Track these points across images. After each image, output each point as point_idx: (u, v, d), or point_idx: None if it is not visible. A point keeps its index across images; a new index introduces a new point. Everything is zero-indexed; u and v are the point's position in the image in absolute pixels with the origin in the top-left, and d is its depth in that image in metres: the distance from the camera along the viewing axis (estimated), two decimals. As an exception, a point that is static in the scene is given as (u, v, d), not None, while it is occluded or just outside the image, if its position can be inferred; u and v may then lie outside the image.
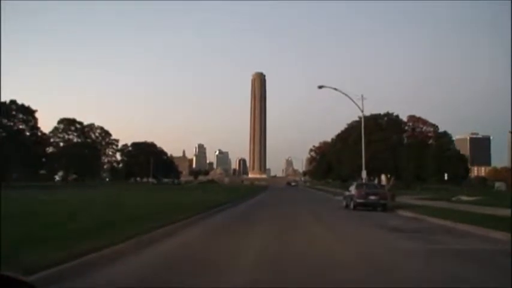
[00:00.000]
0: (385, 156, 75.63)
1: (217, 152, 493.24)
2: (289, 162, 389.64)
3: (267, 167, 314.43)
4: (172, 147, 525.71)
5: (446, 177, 54.00)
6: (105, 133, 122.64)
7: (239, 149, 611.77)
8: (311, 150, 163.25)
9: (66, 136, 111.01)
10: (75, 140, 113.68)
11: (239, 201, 37.39)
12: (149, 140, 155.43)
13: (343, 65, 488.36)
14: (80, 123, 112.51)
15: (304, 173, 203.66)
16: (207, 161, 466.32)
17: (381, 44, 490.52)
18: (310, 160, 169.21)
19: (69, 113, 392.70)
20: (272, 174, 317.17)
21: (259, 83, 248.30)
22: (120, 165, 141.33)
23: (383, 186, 32.85)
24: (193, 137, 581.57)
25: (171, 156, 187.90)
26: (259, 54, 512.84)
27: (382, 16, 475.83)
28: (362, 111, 42.12)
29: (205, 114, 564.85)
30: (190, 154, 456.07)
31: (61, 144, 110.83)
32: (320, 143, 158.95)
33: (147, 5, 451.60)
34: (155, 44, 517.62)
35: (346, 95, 40.87)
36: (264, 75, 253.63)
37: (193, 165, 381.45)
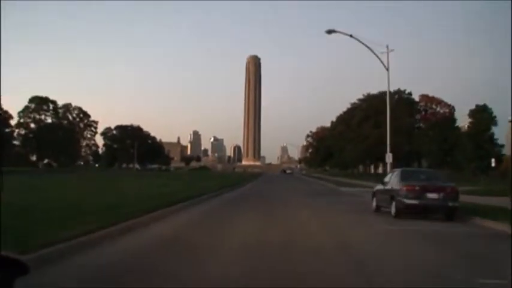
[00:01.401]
0: (398, 139, 63.06)
1: (212, 139, 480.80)
2: (284, 150, 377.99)
3: (262, 154, 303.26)
4: (167, 134, 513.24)
5: (493, 164, 41.54)
6: (84, 114, 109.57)
7: (234, 136, 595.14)
8: (308, 136, 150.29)
9: (38, 116, 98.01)
10: (49, 120, 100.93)
11: (219, 193, 27.29)
12: (143, 127, 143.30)
13: (342, 46, 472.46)
14: (54, 101, 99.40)
15: (300, 161, 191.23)
16: (202, 148, 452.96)
17: (377, 42, 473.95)
18: (307, 147, 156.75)
19: (57, 96, 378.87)
20: (267, 161, 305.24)
21: (254, 66, 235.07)
22: (101, 149, 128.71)
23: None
24: (188, 124, 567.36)
25: (161, 141, 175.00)
26: (254, 37, 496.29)
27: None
28: (387, 69, 29.32)
29: (200, 101, 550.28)
30: (186, 141, 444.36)
31: (32, 125, 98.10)
32: (317, 128, 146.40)
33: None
34: (147, 32, 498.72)
35: (365, 45, 28.29)
36: (259, 59, 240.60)
37: (188, 152, 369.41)
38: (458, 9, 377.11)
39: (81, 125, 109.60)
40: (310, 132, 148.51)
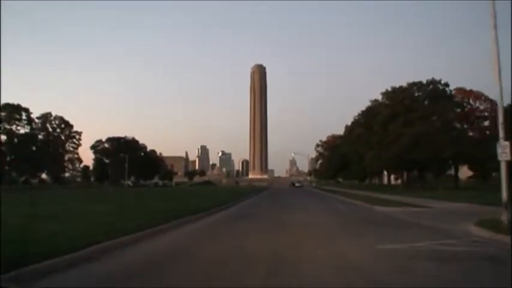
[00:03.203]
0: (442, 139, 47.52)
1: (220, 154, 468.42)
2: (293, 163, 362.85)
3: (271, 167, 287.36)
4: (174, 148, 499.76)
5: None
6: (66, 124, 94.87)
7: (243, 150, 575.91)
8: (317, 145, 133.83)
9: (8, 126, 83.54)
10: (22, 131, 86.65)
11: (183, 222, 16.28)
12: (147, 141, 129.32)
13: (349, 51, 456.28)
14: (26, 109, 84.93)
15: (310, 173, 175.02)
16: (210, 163, 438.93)
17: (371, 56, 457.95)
18: (317, 158, 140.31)
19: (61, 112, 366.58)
20: (276, 175, 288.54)
21: (259, 75, 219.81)
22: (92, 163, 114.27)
23: None
24: (196, 139, 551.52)
25: (161, 154, 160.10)
26: (259, 46, 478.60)
27: (380, 17, 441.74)
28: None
29: (208, 115, 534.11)
30: (194, 156, 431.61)
31: (2, 136, 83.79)
32: (328, 136, 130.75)
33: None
34: (150, 45, 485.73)
35: None
36: (264, 68, 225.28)
37: (196, 167, 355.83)
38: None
39: (62, 136, 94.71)
40: (320, 141, 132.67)
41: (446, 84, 56.81)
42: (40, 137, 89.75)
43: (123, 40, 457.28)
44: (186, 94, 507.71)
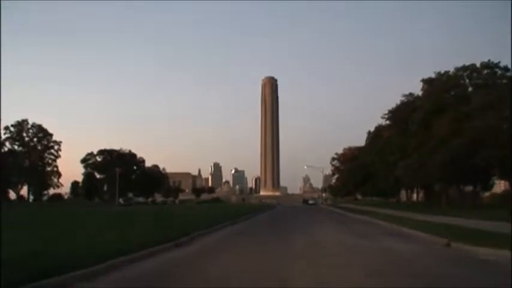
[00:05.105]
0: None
1: (233, 171, 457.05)
2: (306, 179, 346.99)
3: (284, 185, 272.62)
4: (187, 165, 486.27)
5: None
6: (44, 133, 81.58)
7: (256, 167, 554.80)
8: (333, 159, 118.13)
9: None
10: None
11: None
12: (160, 159, 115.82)
13: (362, 65, 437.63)
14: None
15: (324, 189, 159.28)
16: (223, 180, 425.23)
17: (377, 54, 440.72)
18: (333, 172, 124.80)
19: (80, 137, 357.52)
20: (289, 192, 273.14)
21: (270, 88, 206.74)
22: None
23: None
24: (210, 156, 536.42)
25: (164, 170, 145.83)
26: (271, 58, 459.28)
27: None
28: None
29: (221, 132, 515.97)
30: (207, 173, 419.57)
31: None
32: (345, 148, 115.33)
33: (151, 8, 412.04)
34: (156, 66, 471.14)
35: None
36: (276, 80, 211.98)
37: (210, 184, 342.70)
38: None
39: (39, 146, 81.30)
40: (336, 154, 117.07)
41: (506, 69, 41.94)
42: (11, 147, 77.00)
43: (129, 52, 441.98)
44: (199, 109, 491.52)
